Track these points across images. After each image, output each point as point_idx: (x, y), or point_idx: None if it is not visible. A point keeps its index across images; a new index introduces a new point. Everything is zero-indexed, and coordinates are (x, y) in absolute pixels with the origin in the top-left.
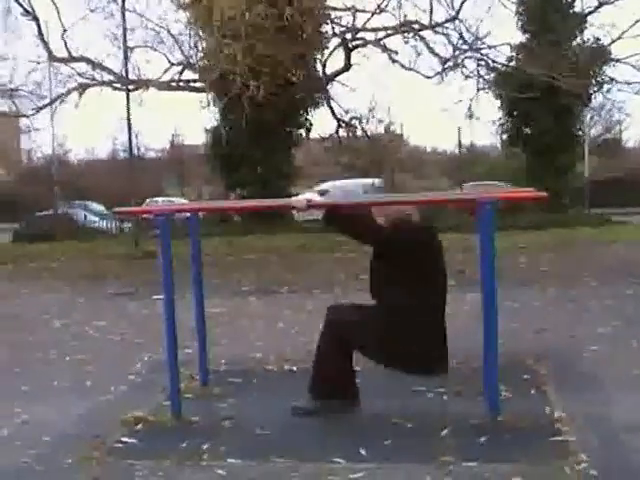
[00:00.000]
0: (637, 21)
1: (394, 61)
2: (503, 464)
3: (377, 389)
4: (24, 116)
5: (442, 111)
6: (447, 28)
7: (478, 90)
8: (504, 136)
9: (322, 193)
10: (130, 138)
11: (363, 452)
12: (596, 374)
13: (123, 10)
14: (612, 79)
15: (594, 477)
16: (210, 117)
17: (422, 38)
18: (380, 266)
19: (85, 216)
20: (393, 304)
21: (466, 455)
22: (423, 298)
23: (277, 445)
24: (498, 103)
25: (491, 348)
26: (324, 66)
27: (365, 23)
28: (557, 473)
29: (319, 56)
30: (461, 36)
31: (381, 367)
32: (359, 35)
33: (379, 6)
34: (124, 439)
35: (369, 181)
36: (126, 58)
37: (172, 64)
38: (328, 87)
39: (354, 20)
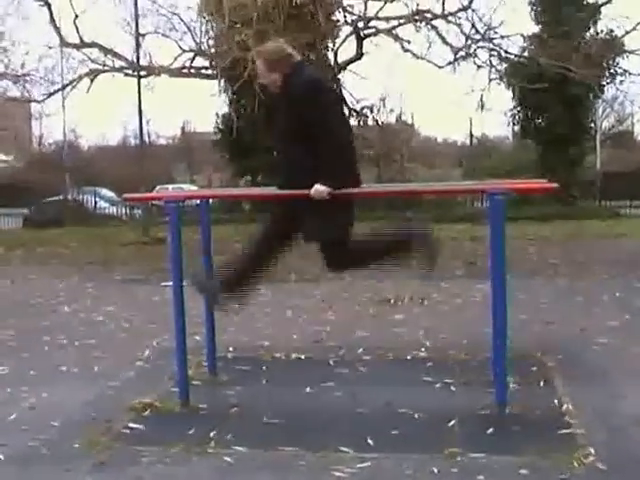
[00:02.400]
0: None
1: (406, 50)
2: (511, 456)
3: (385, 379)
4: (35, 101)
5: (453, 103)
6: (460, 18)
7: (490, 80)
8: (516, 127)
9: None
10: (141, 125)
11: (371, 442)
12: (605, 367)
13: None
14: (625, 71)
15: (602, 471)
16: (221, 104)
17: (434, 27)
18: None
19: (95, 202)
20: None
21: (474, 446)
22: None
23: (284, 433)
24: (510, 94)
25: (500, 339)
26: (336, 54)
27: (377, 12)
28: (565, 466)
29: (331, 44)
30: (473, 26)
31: (388, 357)
32: (371, 24)
33: None
34: (131, 425)
35: None
36: (137, 44)
37: (183, 51)
38: (340, 76)
39: (365, 9)
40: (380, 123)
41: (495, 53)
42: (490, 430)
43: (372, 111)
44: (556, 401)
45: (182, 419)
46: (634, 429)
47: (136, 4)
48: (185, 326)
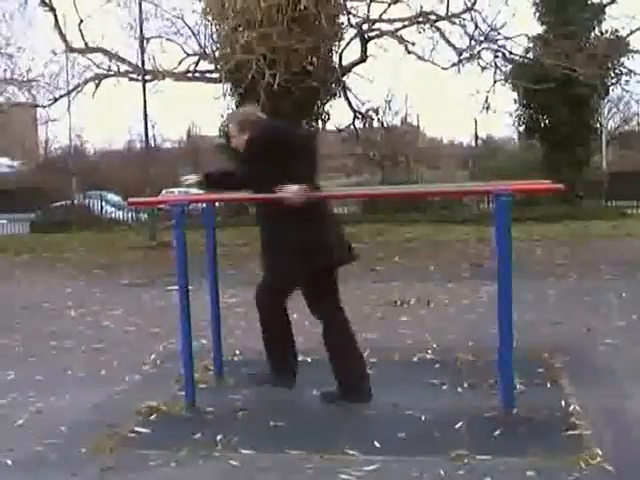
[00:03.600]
0: None
1: (410, 52)
2: (517, 458)
3: (391, 381)
4: (41, 106)
5: (458, 104)
6: (464, 19)
7: (495, 81)
8: (521, 128)
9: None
10: (146, 128)
11: (377, 444)
12: (612, 367)
13: (140, 0)
14: (630, 71)
15: (609, 472)
16: (225, 107)
17: (438, 29)
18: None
19: (102, 207)
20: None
21: (480, 448)
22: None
23: (291, 436)
24: (515, 95)
25: (506, 340)
26: (340, 57)
27: (382, 14)
28: (572, 467)
29: (335, 47)
30: (477, 26)
31: (395, 359)
32: (375, 26)
33: None
34: (138, 429)
35: None
36: (142, 49)
37: (188, 54)
38: (345, 78)
39: (368, 11)
40: (385, 125)
41: (500, 54)
42: (497, 432)
43: (377, 113)
44: (563, 402)
45: (189, 423)
46: None
47: (140, 8)
48: (191, 330)
